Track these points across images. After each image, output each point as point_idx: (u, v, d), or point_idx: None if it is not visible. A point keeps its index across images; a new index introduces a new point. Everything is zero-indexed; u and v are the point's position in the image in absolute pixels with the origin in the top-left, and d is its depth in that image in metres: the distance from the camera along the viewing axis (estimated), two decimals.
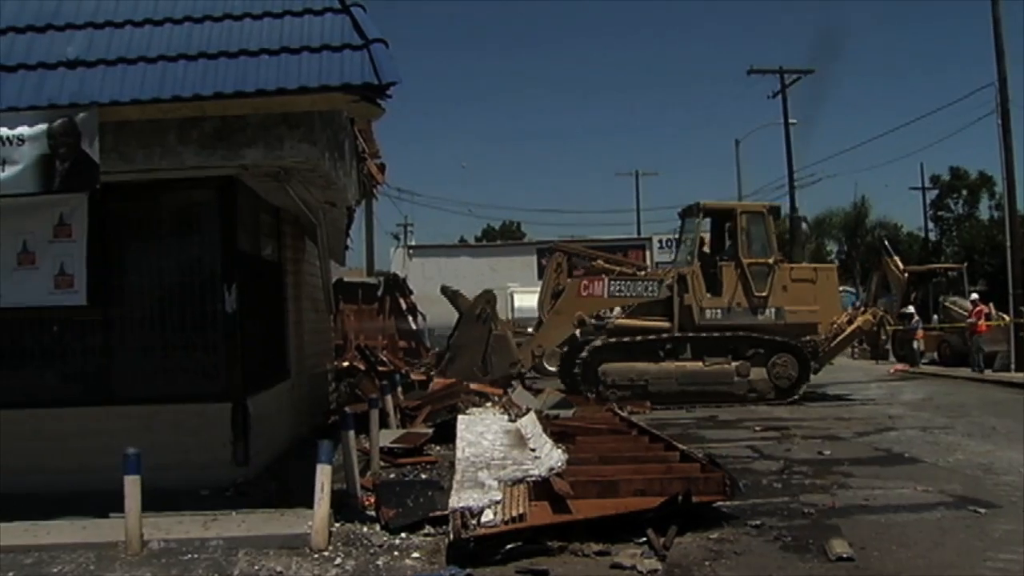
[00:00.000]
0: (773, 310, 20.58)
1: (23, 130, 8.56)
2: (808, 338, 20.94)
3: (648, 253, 41.28)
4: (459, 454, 10.89)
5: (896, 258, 34.50)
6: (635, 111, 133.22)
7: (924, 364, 28.65)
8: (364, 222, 35.60)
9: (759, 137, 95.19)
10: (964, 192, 65.25)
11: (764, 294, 20.53)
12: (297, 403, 13.60)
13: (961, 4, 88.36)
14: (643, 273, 22.24)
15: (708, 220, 22.24)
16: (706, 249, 21.91)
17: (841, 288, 49.69)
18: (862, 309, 23.54)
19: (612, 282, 21.00)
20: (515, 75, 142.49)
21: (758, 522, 8.67)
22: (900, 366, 29.11)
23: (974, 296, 28.60)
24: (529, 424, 12.71)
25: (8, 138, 8.53)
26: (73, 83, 8.90)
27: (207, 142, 9.32)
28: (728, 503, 9.07)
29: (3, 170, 8.54)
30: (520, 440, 11.76)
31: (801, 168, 43.30)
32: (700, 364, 20.21)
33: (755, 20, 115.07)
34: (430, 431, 13.45)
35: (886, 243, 37.87)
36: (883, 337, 24.25)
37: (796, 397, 20.14)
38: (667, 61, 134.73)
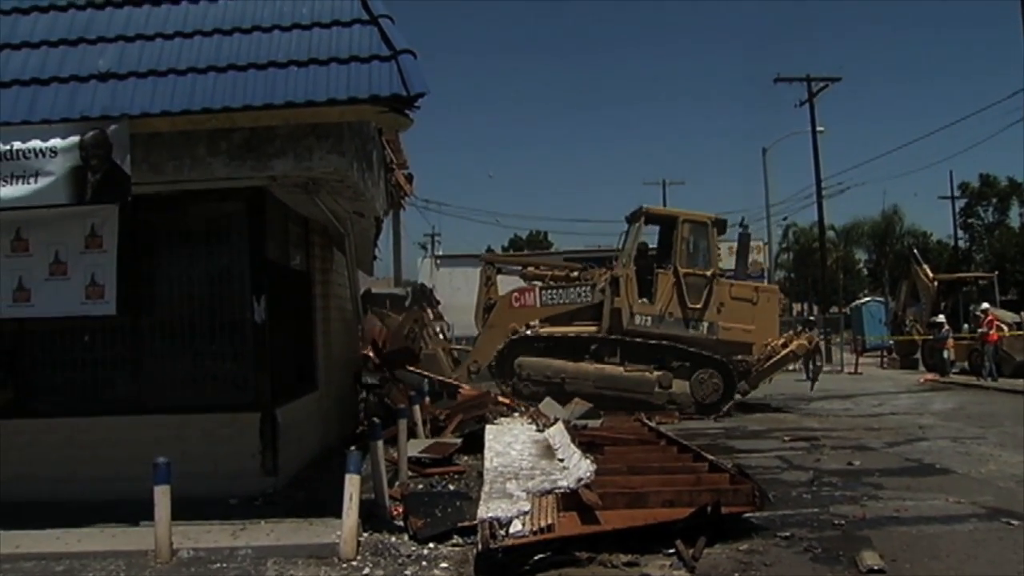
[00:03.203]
0: (706, 324, 20.32)
1: (56, 142, 8.65)
2: (740, 357, 20.62)
3: None
4: (487, 464, 10.90)
5: (925, 267, 34.29)
6: (663, 120, 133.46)
7: (954, 373, 28.39)
8: (392, 232, 35.61)
9: (787, 146, 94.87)
10: (994, 199, 64.84)
11: (698, 306, 20.25)
12: (325, 413, 13.63)
13: (990, 9, 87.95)
14: (575, 275, 21.90)
15: (656, 227, 22.02)
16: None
17: (870, 298, 50.05)
18: (802, 332, 23.27)
19: (544, 291, 20.89)
20: (542, 84, 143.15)
21: (788, 533, 8.60)
22: (930, 375, 28.90)
23: (985, 305, 28.42)
24: (557, 434, 12.71)
25: (41, 150, 8.63)
26: (105, 96, 9.00)
27: (236, 153, 9.39)
28: (757, 514, 9.00)
29: (36, 182, 8.64)
30: (548, 450, 11.76)
31: (829, 176, 43.14)
32: (620, 369, 19.93)
33: (782, 28, 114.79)
34: (459, 441, 13.45)
35: (915, 252, 37.56)
36: (818, 363, 24.05)
37: (722, 413, 19.80)
38: (695, 70, 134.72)
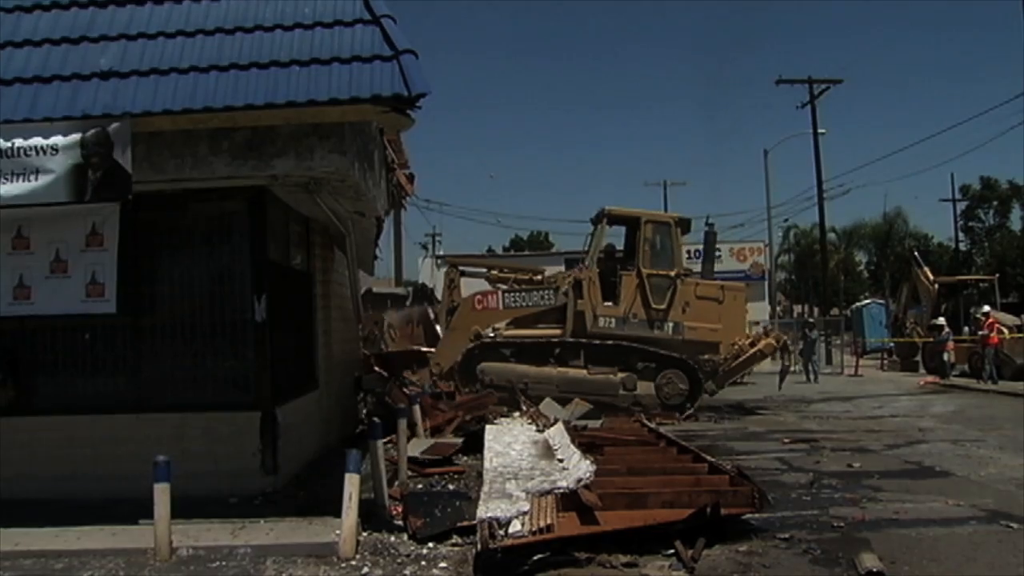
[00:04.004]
0: (671, 324, 20.17)
1: (57, 140, 8.66)
2: (707, 357, 20.51)
3: None
4: (487, 464, 10.90)
5: (926, 269, 34.28)
6: (664, 121, 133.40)
7: (955, 376, 28.35)
8: (393, 232, 35.64)
9: (789, 147, 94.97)
10: (995, 202, 64.86)
11: (663, 307, 20.11)
12: (326, 412, 13.63)
13: (991, 11, 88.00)
14: (539, 278, 21.78)
15: (622, 228, 21.91)
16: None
17: (871, 300, 50.07)
18: (771, 332, 23.19)
19: (507, 294, 20.76)
20: (542, 84, 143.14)
21: (787, 535, 8.59)
22: (930, 378, 28.87)
23: (986, 308, 28.43)
24: (557, 435, 12.70)
25: (42, 148, 8.64)
26: (106, 94, 9.00)
27: (238, 152, 9.38)
28: (757, 516, 9.01)
29: (37, 179, 8.64)
30: (548, 451, 11.75)
31: (830, 179, 43.24)
32: (584, 372, 19.78)
33: (785, 30, 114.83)
34: (459, 441, 13.45)
35: (916, 254, 37.54)
36: (785, 363, 23.72)
37: (688, 413, 19.67)
38: (696, 71, 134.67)
